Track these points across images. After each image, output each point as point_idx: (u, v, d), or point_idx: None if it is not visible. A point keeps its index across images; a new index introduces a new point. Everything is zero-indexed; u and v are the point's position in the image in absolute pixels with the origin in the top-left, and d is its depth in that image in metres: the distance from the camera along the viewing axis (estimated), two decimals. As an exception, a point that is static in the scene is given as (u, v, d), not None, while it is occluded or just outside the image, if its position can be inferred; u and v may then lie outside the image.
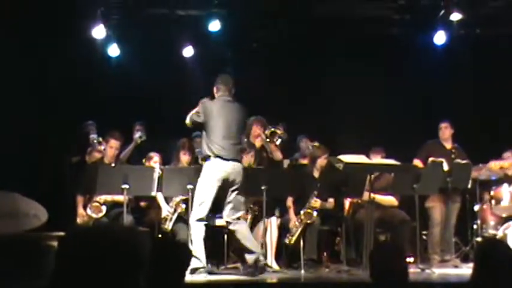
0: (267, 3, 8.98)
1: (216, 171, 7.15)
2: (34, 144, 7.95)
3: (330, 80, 9.59)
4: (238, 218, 7.25)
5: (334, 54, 9.60)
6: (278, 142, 8.29)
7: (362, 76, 9.46)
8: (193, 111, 7.29)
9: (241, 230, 7.24)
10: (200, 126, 7.33)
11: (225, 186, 7.16)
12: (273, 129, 8.22)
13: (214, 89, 7.37)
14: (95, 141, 8.01)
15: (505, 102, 9.51)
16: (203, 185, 7.17)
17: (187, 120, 7.37)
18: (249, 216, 8.01)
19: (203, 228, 7.12)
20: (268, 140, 8.25)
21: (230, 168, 7.16)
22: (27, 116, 8.31)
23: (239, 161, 7.28)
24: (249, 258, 7.06)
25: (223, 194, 7.19)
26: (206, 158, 7.23)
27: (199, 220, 7.11)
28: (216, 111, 7.22)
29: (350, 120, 9.43)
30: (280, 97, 9.57)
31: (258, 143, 8.27)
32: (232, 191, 7.21)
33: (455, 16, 8.76)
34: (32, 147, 7.96)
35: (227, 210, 7.23)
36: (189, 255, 3.73)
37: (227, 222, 7.22)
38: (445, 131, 8.75)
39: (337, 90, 9.54)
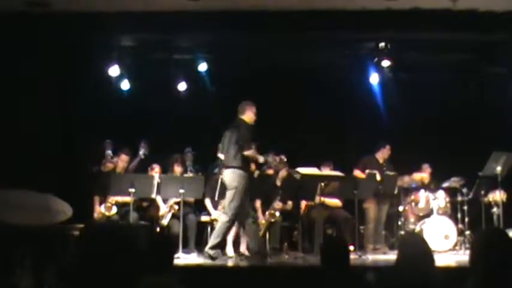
0: (241, 54, 9.07)
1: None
2: (64, 156, 7.92)
3: (293, 112, 9.60)
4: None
5: (297, 94, 9.61)
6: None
7: (317, 107, 9.49)
8: None
9: (220, 222, 7.14)
10: None
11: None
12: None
13: None
14: (109, 156, 8.07)
15: (424, 127, 9.55)
16: None
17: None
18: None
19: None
20: None
21: (223, 174, 7.17)
22: (58, 134, 8.30)
23: (228, 167, 7.08)
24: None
25: None
26: None
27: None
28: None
29: (306, 141, 9.42)
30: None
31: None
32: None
33: (385, 63, 8.95)
34: (62, 159, 7.92)
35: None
36: (176, 245, 3.75)
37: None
38: (387, 152, 8.78)
39: (298, 120, 9.54)
